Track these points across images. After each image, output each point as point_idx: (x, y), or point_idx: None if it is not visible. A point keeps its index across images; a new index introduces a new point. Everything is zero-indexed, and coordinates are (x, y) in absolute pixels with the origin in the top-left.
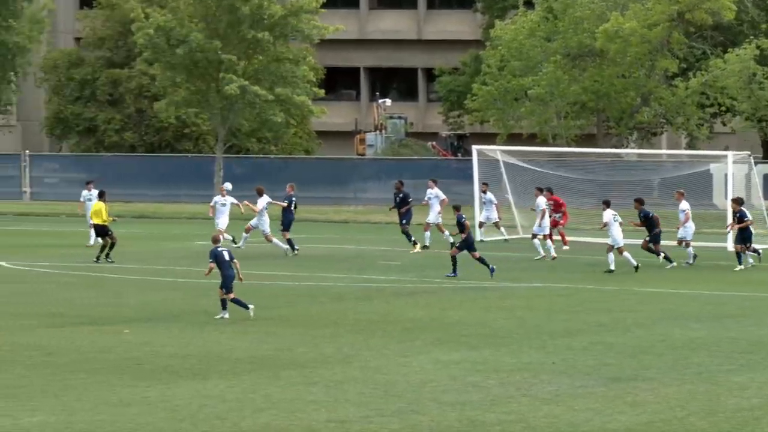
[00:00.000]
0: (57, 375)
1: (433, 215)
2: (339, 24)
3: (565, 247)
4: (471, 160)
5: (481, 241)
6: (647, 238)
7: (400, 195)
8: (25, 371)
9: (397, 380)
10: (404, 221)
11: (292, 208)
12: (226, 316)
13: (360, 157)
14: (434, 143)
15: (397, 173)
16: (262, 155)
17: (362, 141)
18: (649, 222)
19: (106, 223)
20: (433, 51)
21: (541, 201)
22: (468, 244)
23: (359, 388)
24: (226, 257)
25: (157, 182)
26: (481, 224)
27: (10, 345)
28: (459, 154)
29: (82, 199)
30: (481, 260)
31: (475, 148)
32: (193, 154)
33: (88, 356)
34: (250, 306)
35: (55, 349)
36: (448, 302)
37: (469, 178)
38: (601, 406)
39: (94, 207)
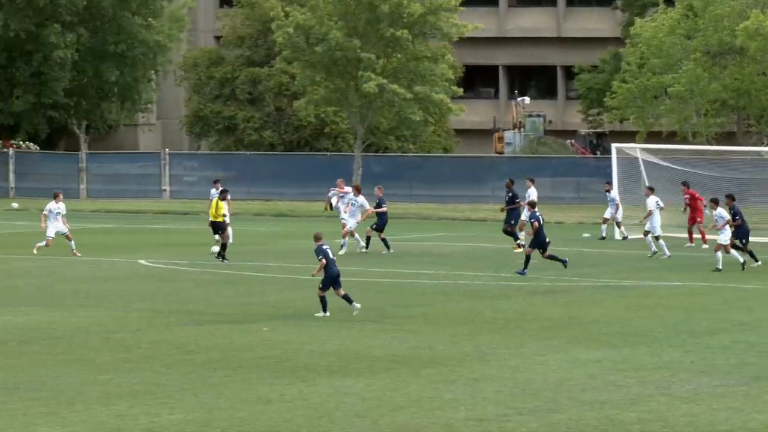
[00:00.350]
0: (196, 373)
1: (524, 214)
2: (478, 22)
3: (705, 246)
4: (610, 158)
5: (625, 238)
6: (733, 236)
7: (510, 194)
8: (164, 369)
9: (534, 378)
10: (512, 221)
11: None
12: (358, 306)
13: (498, 155)
14: (573, 141)
15: (535, 171)
16: (400, 153)
17: (501, 139)
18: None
19: (219, 220)
20: (572, 48)
21: (651, 201)
22: (539, 243)
23: (497, 387)
24: (331, 254)
25: (295, 180)
26: (618, 224)
27: (149, 343)
28: (598, 152)
29: (211, 198)
30: (551, 257)
31: (614, 146)
32: (332, 153)
33: (227, 354)
34: (327, 314)
35: (194, 346)
36: (586, 300)
37: (608, 176)
38: (741, 405)
39: (212, 204)
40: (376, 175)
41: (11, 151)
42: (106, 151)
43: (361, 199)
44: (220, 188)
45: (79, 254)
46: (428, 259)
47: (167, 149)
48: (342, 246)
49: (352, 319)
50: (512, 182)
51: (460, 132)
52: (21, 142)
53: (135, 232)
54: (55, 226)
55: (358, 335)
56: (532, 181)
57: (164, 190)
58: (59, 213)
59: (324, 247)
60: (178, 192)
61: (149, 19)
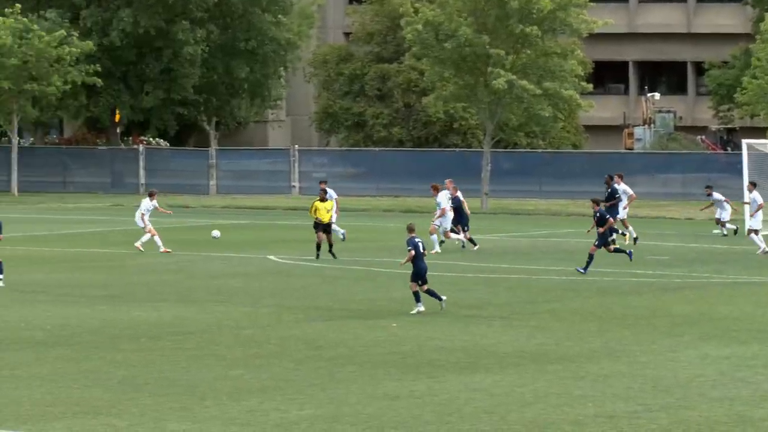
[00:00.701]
0: (325, 368)
1: (620, 211)
2: (608, 18)
3: None
4: (740, 155)
5: (735, 232)
6: None
7: (609, 189)
8: (293, 365)
9: (664, 375)
10: (612, 216)
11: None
12: (422, 308)
13: (628, 151)
14: (703, 137)
15: (665, 168)
16: (529, 149)
17: (630, 135)
18: None
19: (316, 219)
20: (702, 44)
21: (758, 196)
22: (605, 240)
23: (627, 383)
24: (422, 248)
25: (424, 177)
26: (723, 222)
27: (278, 339)
28: (728, 148)
29: (328, 197)
30: (617, 250)
31: (744, 141)
32: (461, 149)
33: (355, 350)
34: (443, 297)
35: (322, 342)
36: (716, 297)
37: (739, 172)
38: None
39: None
40: (504, 172)
41: (141, 147)
42: (235, 148)
43: (440, 197)
44: (322, 188)
45: (142, 249)
46: (557, 255)
47: (296, 145)
48: (461, 245)
49: (480, 315)
50: (611, 178)
51: (589, 128)
52: (151, 139)
53: (264, 228)
54: (145, 222)
55: (486, 331)
56: (621, 177)
57: (293, 186)
58: (149, 210)
59: (417, 240)
60: (307, 188)
61: (279, 16)
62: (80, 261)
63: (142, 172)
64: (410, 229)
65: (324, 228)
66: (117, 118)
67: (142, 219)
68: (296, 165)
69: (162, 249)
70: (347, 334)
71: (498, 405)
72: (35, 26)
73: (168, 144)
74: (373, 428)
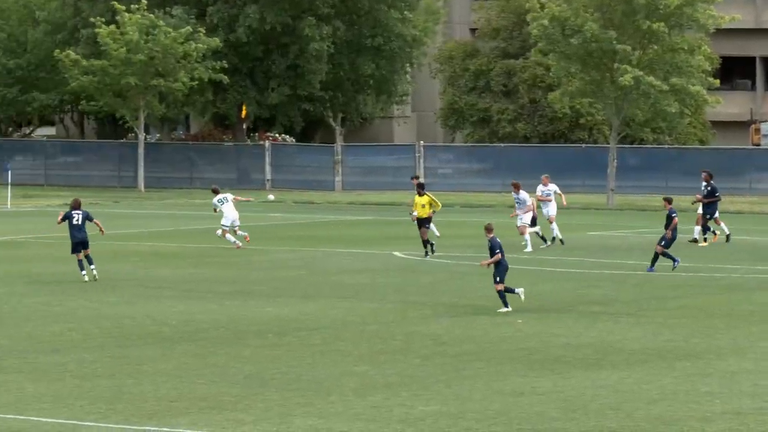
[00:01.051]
0: (450, 364)
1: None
2: (735, 13)
3: None
4: None
5: None
6: None
7: (708, 188)
8: (419, 361)
9: None
10: (708, 215)
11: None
12: (521, 289)
13: (755, 147)
14: None
15: None
16: (655, 145)
17: (757, 131)
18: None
19: (419, 216)
20: None
21: None
22: (668, 241)
23: (754, 380)
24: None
25: (551, 172)
26: None
27: (404, 335)
28: None
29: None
30: (661, 255)
31: None
32: (587, 144)
33: (481, 346)
34: (509, 308)
35: (448, 338)
36: None
37: None
38: None
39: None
40: (631, 168)
41: (267, 143)
42: (361, 144)
43: (523, 194)
44: (416, 183)
45: (241, 245)
46: (684, 251)
47: (422, 141)
48: (525, 244)
49: (607, 311)
50: (710, 175)
51: (716, 124)
52: (277, 135)
53: (389, 225)
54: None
55: (612, 327)
56: (711, 176)
57: None
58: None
59: (498, 240)
60: (432, 184)
61: (405, 13)
62: (206, 256)
63: (268, 168)
64: (489, 230)
65: (420, 222)
66: (243, 114)
67: (235, 202)
68: (422, 161)
69: (221, 232)
70: (473, 330)
71: (624, 401)
72: (161, 22)
73: (294, 140)
74: (498, 424)
